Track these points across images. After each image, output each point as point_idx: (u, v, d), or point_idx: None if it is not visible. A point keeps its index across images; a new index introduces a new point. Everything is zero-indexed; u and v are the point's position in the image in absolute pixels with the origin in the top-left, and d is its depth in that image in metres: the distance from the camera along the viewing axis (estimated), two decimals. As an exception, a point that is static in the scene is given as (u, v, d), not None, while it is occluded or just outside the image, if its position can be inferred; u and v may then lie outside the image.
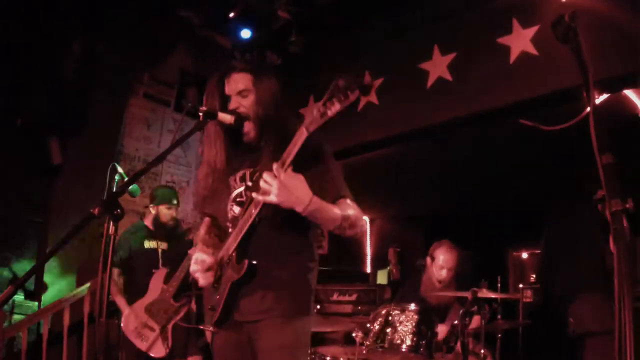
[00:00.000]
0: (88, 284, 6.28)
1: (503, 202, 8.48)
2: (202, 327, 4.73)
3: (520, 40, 5.46)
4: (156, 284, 5.42)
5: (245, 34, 6.90)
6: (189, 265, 3.11)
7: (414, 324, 4.55)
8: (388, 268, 9.43)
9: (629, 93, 5.68)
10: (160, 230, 5.84)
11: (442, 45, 6.10)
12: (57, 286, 6.84)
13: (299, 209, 2.52)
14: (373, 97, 6.54)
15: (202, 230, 3.18)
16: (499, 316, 5.23)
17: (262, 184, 2.52)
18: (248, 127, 2.88)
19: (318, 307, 5.55)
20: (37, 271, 6.62)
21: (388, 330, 4.60)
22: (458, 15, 6.04)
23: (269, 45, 7.14)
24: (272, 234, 2.78)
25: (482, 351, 4.73)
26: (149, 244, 5.78)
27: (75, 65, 7.08)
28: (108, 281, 2.39)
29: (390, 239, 10.06)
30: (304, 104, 7.24)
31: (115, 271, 5.65)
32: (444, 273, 5.41)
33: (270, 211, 2.64)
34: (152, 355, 5.18)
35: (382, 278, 9.76)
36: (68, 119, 7.08)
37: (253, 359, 2.78)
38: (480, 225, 8.33)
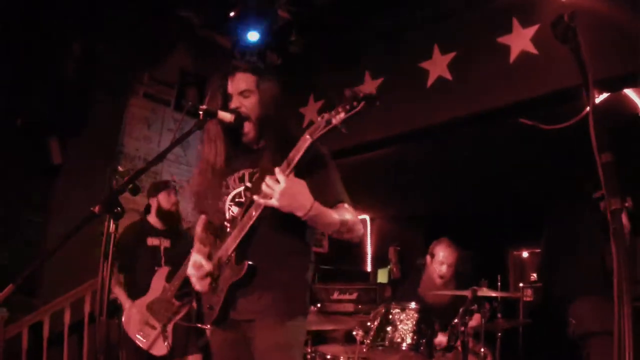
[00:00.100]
0: (88, 283, 6.29)
1: (503, 201, 8.49)
2: (200, 326, 4.75)
3: (520, 40, 5.47)
4: (158, 283, 5.40)
5: (253, 36, 6.90)
6: None
7: (414, 323, 4.56)
8: (388, 267, 9.45)
9: (629, 92, 5.69)
10: (165, 221, 5.83)
11: (442, 44, 6.10)
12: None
13: (299, 214, 2.55)
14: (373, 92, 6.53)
15: (199, 228, 3.20)
16: (499, 315, 5.24)
17: (264, 187, 2.54)
18: (248, 128, 2.90)
19: (319, 305, 5.56)
20: (37, 270, 6.63)
21: (388, 328, 4.61)
22: (458, 15, 6.04)
23: (269, 45, 7.14)
24: (270, 234, 2.80)
25: (482, 350, 4.73)
26: (152, 242, 5.77)
27: (75, 65, 7.07)
28: (109, 280, 2.39)
29: (391, 238, 10.08)
30: (304, 103, 7.25)
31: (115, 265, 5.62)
32: (444, 269, 5.44)
33: (269, 212, 2.65)
34: (153, 353, 5.18)
35: (382, 277, 9.78)
36: (68, 118, 7.07)
37: (250, 358, 2.81)
38: (481, 224, 8.34)
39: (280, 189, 2.48)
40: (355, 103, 2.43)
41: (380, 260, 10.31)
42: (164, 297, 5.23)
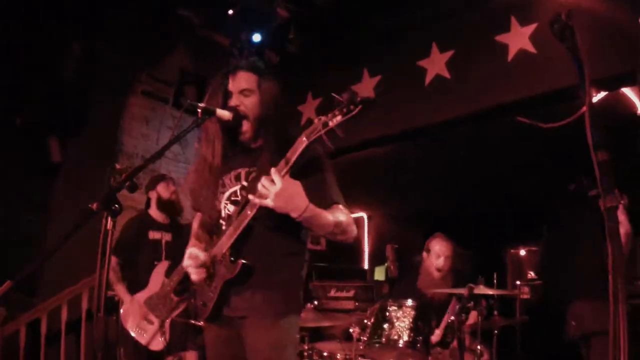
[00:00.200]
0: (86, 280, 6.29)
1: (501, 200, 8.49)
2: (194, 322, 4.75)
3: (519, 38, 5.47)
4: (157, 277, 5.39)
5: (256, 37, 6.91)
6: None
7: (411, 320, 4.57)
8: (386, 265, 9.45)
9: (627, 91, 5.70)
10: (167, 212, 5.81)
11: (440, 42, 6.10)
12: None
13: (294, 215, 2.56)
14: (371, 95, 6.54)
15: (195, 225, 3.21)
16: (495, 312, 5.25)
17: (259, 187, 2.55)
18: (246, 127, 2.91)
19: (316, 302, 5.57)
20: (37, 269, 6.64)
21: (385, 326, 4.62)
22: (456, 13, 6.03)
23: (267, 43, 7.14)
24: (266, 233, 2.82)
25: (479, 347, 4.74)
26: (153, 235, 5.76)
27: (75, 65, 7.07)
28: (106, 277, 2.40)
29: (388, 237, 10.08)
30: (302, 101, 7.25)
31: (114, 259, 5.60)
32: (441, 261, 5.49)
33: (265, 212, 2.66)
34: (151, 348, 5.18)
35: (379, 275, 9.78)
36: (67, 118, 7.08)
37: (243, 355, 2.82)
38: (478, 223, 8.35)
39: (276, 189, 2.49)
40: (352, 107, 2.46)
41: (377, 258, 10.32)
42: (163, 292, 5.22)
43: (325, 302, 6.55)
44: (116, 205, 2.35)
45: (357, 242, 10.79)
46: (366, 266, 10.67)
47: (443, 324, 5.19)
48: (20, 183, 6.85)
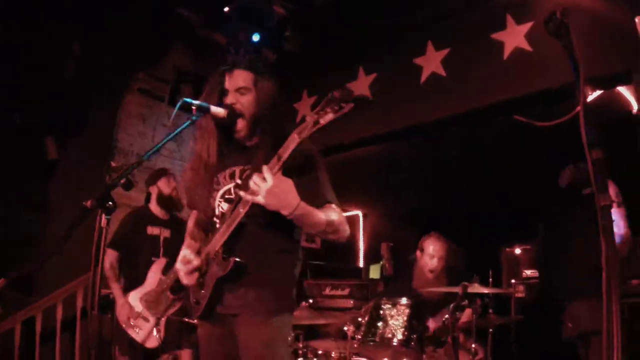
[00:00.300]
0: (81, 278, 6.28)
1: (496, 198, 8.50)
2: (187, 320, 4.75)
3: (514, 36, 5.47)
4: (154, 275, 5.38)
5: (255, 37, 6.91)
6: None
7: (405, 318, 4.58)
8: (381, 263, 9.46)
9: (622, 90, 5.70)
10: (166, 208, 5.80)
11: (436, 40, 6.10)
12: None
13: (285, 212, 2.57)
14: (366, 93, 6.53)
15: (190, 223, 3.21)
16: (490, 311, 5.25)
17: (251, 184, 2.56)
18: (241, 125, 2.91)
19: (310, 301, 5.57)
20: (37, 269, 6.65)
21: (379, 324, 4.63)
22: (452, 11, 6.03)
23: (264, 41, 7.13)
24: (259, 232, 2.82)
25: (474, 346, 4.75)
26: (152, 231, 5.74)
27: (75, 65, 7.07)
28: (100, 274, 2.40)
29: (383, 235, 10.10)
30: (298, 98, 7.25)
31: (113, 254, 5.59)
32: (434, 262, 5.50)
33: (258, 210, 2.66)
34: (146, 346, 5.17)
35: (374, 273, 9.79)
36: (65, 117, 7.07)
37: (236, 352, 2.83)
38: (474, 221, 8.36)
39: (267, 186, 2.50)
40: (343, 104, 2.45)
41: (372, 257, 10.33)
42: (159, 289, 5.20)
43: (320, 300, 6.56)
44: (110, 203, 2.35)
45: (352, 241, 10.81)
46: (361, 264, 10.68)
47: (439, 320, 5.20)
48: (19, 182, 6.85)
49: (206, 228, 3.05)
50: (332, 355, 4.95)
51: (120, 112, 7.57)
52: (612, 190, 4.19)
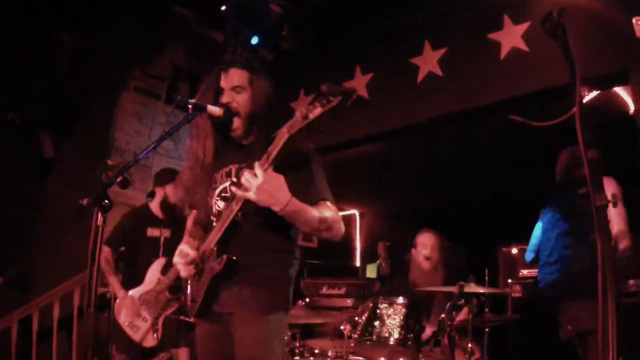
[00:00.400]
0: (78, 276, 6.28)
1: (494, 198, 8.51)
2: (184, 318, 4.75)
3: (511, 36, 5.46)
4: (153, 274, 5.37)
5: (253, 40, 6.92)
6: None
7: (402, 318, 4.59)
8: (377, 262, 9.45)
9: (619, 90, 5.71)
10: (167, 213, 5.78)
11: (433, 40, 6.09)
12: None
13: (276, 208, 2.58)
14: (363, 92, 6.54)
15: (189, 222, 3.22)
16: (486, 310, 5.26)
17: (242, 181, 2.57)
18: (237, 123, 2.93)
19: (307, 300, 5.57)
20: (30, 266, 6.65)
21: (376, 323, 4.64)
22: (449, 11, 6.03)
23: (261, 40, 7.13)
24: (254, 230, 2.83)
25: (470, 345, 4.75)
26: (152, 232, 5.72)
27: (69, 62, 7.06)
28: (97, 272, 2.39)
29: (380, 234, 10.09)
30: (295, 97, 7.25)
31: (107, 250, 5.58)
32: (427, 250, 5.61)
33: (254, 208, 2.67)
34: (144, 345, 5.17)
35: (371, 272, 9.79)
36: (62, 115, 7.07)
37: (232, 351, 2.84)
38: (471, 221, 8.36)
39: (257, 183, 2.51)
40: (331, 98, 2.46)
41: (369, 256, 10.33)
42: (158, 289, 5.20)
43: (317, 299, 6.55)
44: (107, 201, 2.35)
45: (349, 240, 10.81)
46: (358, 264, 10.68)
47: (433, 325, 5.22)
48: (17, 181, 6.84)
49: (205, 227, 3.07)
50: (329, 354, 4.95)
51: (117, 110, 7.56)
52: (612, 189, 4.20)
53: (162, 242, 5.67)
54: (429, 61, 6.07)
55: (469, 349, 4.73)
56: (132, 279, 5.47)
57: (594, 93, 5.29)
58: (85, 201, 2.29)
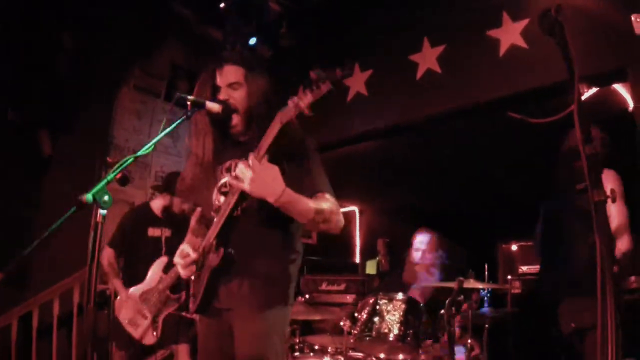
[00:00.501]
0: (77, 274, 6.28)
1: (494, 196, 8.50)
2: (185, 314, 4.75)
3: (510, 34, 5.47)
4: (155, 273, 5.37)
5: (251, 41, 6.94)
6: None
7: (401, 313, 4.59)
8: (377, 259, 9.46)
9: (618, 87, 5.71)
10: (168, 215, 5.78)
11: (431, 37, 6.10)
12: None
13: (270, 199, 2.56)
14: (362, 89, 6.55)
15: (193, 220, 3.22)
16: (486, 305, 5.26)
17: (237, 171, 2.58)
18: (236, 120, 2.93)
19: (307, 296, 5.58)
20: (27, 261, 6.63)
21: (376, 319, 4.63)
22: (449, 8, 6.04)
23: (259, 37, 7.13)
24: (254, 225, 2.83)
25: (470, 341, 4.75)
26: (153, 232, 5.72)
27: (68, 60, 7.06)
28: (96, 269, 2.39)
29: (380, 231, 10.09)
30: (294, 94, 7.23)
31: (111, 252, 5.59)
32: (418, 255, 5.60)
33: (254, 203, 2.67)
34: (143, 343, 5.18)
35: (371, 269, 9.79)
36: (61, 114, 7.06)
37: (232, 349, 2.83)
38: (470, 218, 8.36)
39: (251, 172, 2.51)
40: (320, 84, 2.47)
41: (369, 252, 10.33)
42: (159, 288, 5.20)
43: (317, 295, 6.55)
44: (106, 197, 2.35)
45: (349, 236, 10.81)
46: (357, 260, 10.68)
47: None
48: (16, 180, 6.83)
49: (207, 224, 3.06)
50: (329, 350, 4.96)
51: (116, 108, 7.55)
52: (612, 182, 4.19)
53: (164, 242, 5.67)
54: (428, 58, 6.08)
55: (469, 345, 4.74)
56: (132, 278, 5.46)
57: (593, 90, 5.30)
58: (84, 198, 2.28)
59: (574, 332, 4.58)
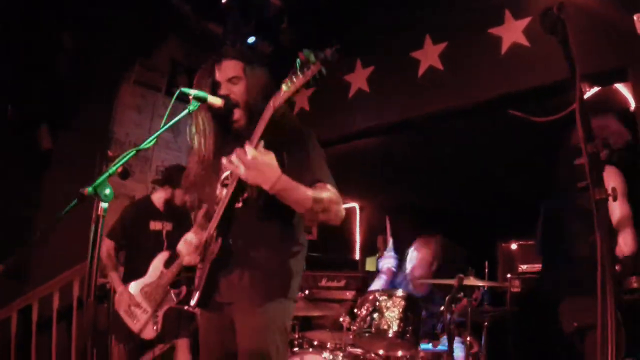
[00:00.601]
0: (77, 267, 6.28)
1: (493, 194, 8.50)
2: (186, 308, 4.75)
3: (512, 32, 5.47)
4: (156, 267, 5.37)
5: (251, 39, 6.93)
6: None
7: (400, 310, 4.59)
8: (377, 255, 9.46)
9: (619, 87, 5.70)
10: (170, 208, 5.78)
11: (433, 34, 6.10)
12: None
13: (265, 186, 2.54)
14: (364, 85, 6.55)
15: (199, 215, 3.21)
16: (485, 303, 5.27)
17: (232, 158, 2.56)
18: (238, 115, 2.93)
19: (306, 292, 5.58)
20: (28, 254, 6.64)
21: (375, 315, 4.64)
22: (451, 5, 6.03)
23: (260, 33, 7.12)
24: (255, 217, 2.83)
25: (469, 339, 4.76)
26: (154, 226, 5.72)
27: (69, 62, 7.05)
28: (97, 263, 2.39)
29: (380, 228, 10.09)
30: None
31: (110, 243, 5.59)
32: (409, 266, 5.65)
33: (254, 193, 2.67)
34: (142, 337, 5.18)
35: (370, 265, 9.79)
36: (61, 109, 7.06)
37: (233, 343, 2.83)
38: (470, 216, 8.36)
39: (246, 159, 2.50)
40: (311, 65, 2.47)
41: (369, 249, 10.33)
42: (160, 282, 5.20)
43: (316, 291, 6.56)
44: (107, 191, 2.35)
45: (349, 233, 10.81)
46: (357, 257, 10.68)
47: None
48: (16, 178, 6.83)
49: (211, 217, 3.07)
50: (328, 346, 4.96)
51: (116, 103, 7.55)
52: (614, 179, 4.18)
53: (165, 236, 5.67)
54: (429, 55, 6.08)
55: (468, 343, 4.75)
56: (133, 272, 5.46)
57: (595, 89, 5.30)
58: (85, 191, 2.28)
59: (575, 331, 4.59)
